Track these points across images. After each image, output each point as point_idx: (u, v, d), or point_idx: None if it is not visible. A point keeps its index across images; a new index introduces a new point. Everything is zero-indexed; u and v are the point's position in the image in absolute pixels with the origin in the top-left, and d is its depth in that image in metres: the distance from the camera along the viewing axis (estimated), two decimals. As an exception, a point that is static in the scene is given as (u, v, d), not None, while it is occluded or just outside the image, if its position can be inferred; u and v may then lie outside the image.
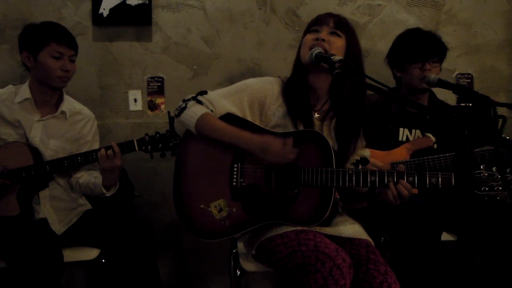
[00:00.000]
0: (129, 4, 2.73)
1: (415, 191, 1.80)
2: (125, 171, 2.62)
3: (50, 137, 2.25)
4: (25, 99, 2.24)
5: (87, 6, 2.75)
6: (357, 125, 1.95)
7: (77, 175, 2.30)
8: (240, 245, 2.16)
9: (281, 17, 2.87)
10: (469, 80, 2.97)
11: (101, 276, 2.52)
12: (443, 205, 2.32)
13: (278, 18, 2.87)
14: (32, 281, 1.92)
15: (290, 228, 1.80)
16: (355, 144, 1.97)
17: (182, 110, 1.91)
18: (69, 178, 2.32)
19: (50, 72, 2.18)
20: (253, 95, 1.94)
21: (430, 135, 2.45)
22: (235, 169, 1.88)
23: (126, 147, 2.17)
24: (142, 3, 2.74)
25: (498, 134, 1.95)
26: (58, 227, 2.25)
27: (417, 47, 2.40)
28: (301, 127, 1.90)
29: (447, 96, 2.69)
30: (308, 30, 1.95)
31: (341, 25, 1.91)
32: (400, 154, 2.38)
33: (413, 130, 2.47)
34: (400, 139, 2.45)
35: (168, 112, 2.16)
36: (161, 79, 2.83)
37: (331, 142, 1.94)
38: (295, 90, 1.94)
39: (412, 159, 2.35)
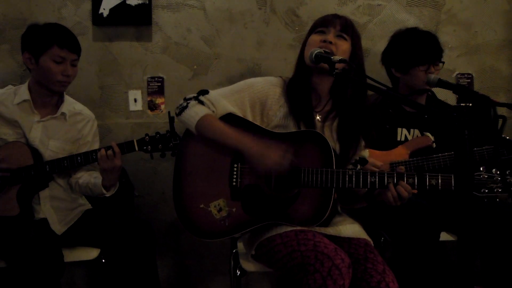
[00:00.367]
0: (129, 4, 2.73)
1: (415, 191, 1.80)
2: (125, 171, 2.62)
3: (50, 138, 2.25)
4: (24, 101, 2.23)
5: (87, 6, 2.75)
6: (358, 126, 1.95)
7: (77, 175, 2.30)
8: (240, 245, 2.16)
9: (281, 17, 2.87)
10: (469, 80, 2.97)
11: (101, 276, 2.52)
12: (442, 205, 2.32)
13: (278, 18, 2.87)
14: (32, 281, 1.92)
15: (289, 228, 1.80)
16: (356, 144, 1.97)
17: (183, 109, 1.90)
18: (69, 178, 2.31)
19: (51, 76, 2.17)
20: (255, 95, 1.93)
21: (428, 134, 2.44)
22: (235, 169, 1.88)
23: (126, 147, 2.17)
24: (142, 3, 2.74)
25: (498, 134, 1.95)
26: (58, 227, 2.25)
27: (424, 50, 2.39)
28: (303, 128, 1.90)
29: (447, 96, 2.69)
30: (313, 31, 1.94)
31: (348, 28, 1.91)
32: (399, 154, 2.38)
33: (412, 130, 2.46)
34: (398, 139, 2.45)
35: (169, 112, 2.16)
36: (161, 79, 2.83)
37: (333, 143, 1.94)
38: (298, 91, 1.94)
39: (411, 159, 2.34)
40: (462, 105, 1.47)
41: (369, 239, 1.90)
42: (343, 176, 1.80)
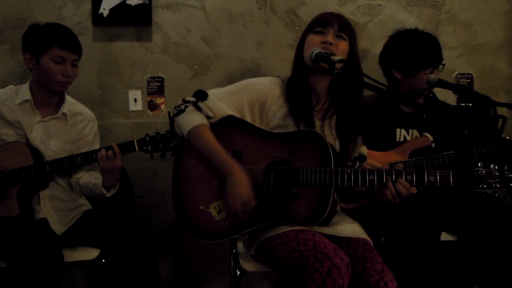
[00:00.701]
0: (129, 4, 2.74)
1: (414, 190, 1.81)
2: (125, 171, 2.62)
3: (50, 138, 2.25)
4: (25, 101, 2.23)
5: (87, 6, 2.75)
6: (356, 121, 1.96)
7: (77, 175, 2.30)
8: (240, 245, 2.16)
9: (281, 17, 2.87)
10: (469, 80, 2.97)
11: (101, 276, 2.52)
12: (442, 205, 2.32)
13: (278, 18, 2.87)
14: (32, 281, 1.92)
15: (289, 228, 1.80)
16: (355, 140, 1.97)
17: (180, 112, 1.90)
18: (69, 179, 2.32)
19: (51, 77, 2.17)
20: (254, 97, 1.93)
21: (427, 134, 2.44)
22: (234, 169, 1.88)
23: (126, 147, 2.17)
24: (142, 3, 2.74)
25: (498, 134, 1.95)
26: (58, 227, 2.26)
27: (430, 54, 2.40)
28: (303, 128, 1.90)
29: (447, 96, 2.69)
30: (311, 30, 1.94)
31: (346, 28, 1.92)
32: (398, 154, 2.37)
33: (411, 130, 2.46)
34: (397, 139, 2.44)
35: (169, 112, 2.16)
36: (161, 79, 2.83)
37: (332, 140, 1.94)
38: (297, 91, 1.94)
39: (410, 159, 2.34)
40: (462, 105, 1.47)
41: (368, 238, 1.91)
42: (341, 175, 1.80)
